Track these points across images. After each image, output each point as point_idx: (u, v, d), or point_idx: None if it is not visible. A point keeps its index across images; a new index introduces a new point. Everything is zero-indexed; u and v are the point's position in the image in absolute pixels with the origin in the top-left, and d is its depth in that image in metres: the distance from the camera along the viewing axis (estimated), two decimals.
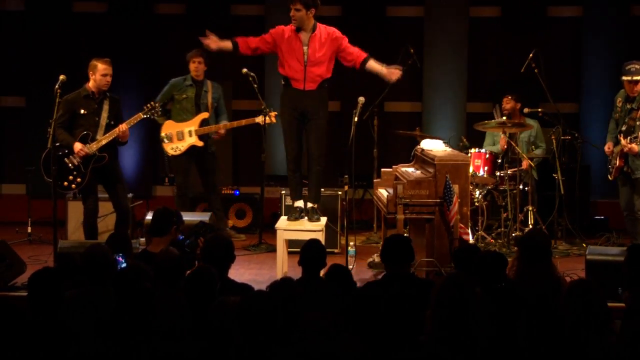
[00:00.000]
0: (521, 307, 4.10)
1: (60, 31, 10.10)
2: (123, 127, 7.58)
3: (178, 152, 8.58)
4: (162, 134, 8.62)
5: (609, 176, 8.05)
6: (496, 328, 3.94)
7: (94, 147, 7.52)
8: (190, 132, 8.56)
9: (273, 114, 8.36)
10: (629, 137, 7.65)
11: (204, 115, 8.62)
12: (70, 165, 7.53)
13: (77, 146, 7.48)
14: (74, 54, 9.92)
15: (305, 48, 6.99)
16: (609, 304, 3.95)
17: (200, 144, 8.56)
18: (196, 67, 8.65)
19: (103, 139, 7.53)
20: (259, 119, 8.42)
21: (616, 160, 7.79)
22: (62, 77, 7.09)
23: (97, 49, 9.95)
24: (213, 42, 7.14)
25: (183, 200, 8.64)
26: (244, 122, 8.61)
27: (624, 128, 7.81)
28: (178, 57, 9.87)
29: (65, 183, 7.54)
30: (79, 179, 7.55)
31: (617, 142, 7.87)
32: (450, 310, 3.66)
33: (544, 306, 4.37)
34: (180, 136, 8.56)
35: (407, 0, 10.34)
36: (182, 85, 8.68)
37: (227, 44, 7.14)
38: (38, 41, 10.10)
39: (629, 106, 7.81)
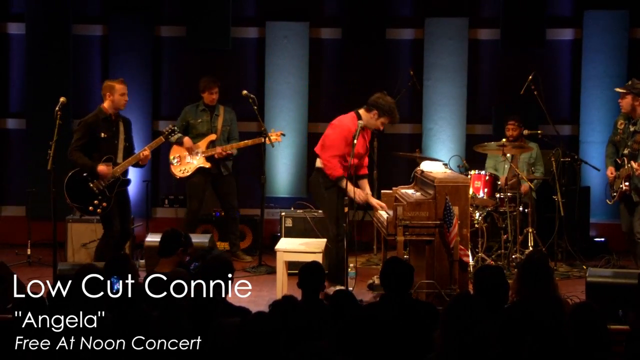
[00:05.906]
0: (525, 327, 4.08)
1: (60, 54, 10.12)
2: (146, 151, 7.55)
3: (186, 174, 8.64)
4: (171, 157, 8.68)
5: (607, 201, 7.98)
6: (501, 349, 3.91)
7: (118, 170, 7.46)
8: (197, 153, 8.63)
9: (279, 132, 8.40)
10: None
11: (212, 137, 8.69)
12: (95, 189, 7.42)
13: (102, 168, 7.38)
14: (74, 77, 9.96)
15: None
16: (610, 327, 3.94)
17: (207, 165, 8.62)
18: (213, 98, 8.76)
19: (126, 163, 7.48)
20: (265, 140, 8.43)
21: (621, 184, 7.60)
22: (62, 99, 7.10)
23: (97, 72, 10.02)
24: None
25: (193, 224, 8.66)
26: (249, 142, 8.66)
27: (626, 151, 7.64)
28: (178, 80, 9.91)
29: (91, 208, 7.42)
30: (104, 204, 7.42)
31: (617, 166, 7.76)
32: (459, 330, 3.63)
33: (545, 327, 4.34)
34: (189, 158, 8.62)
35: (407, 22, 10.36)
36: (196, 111, 8.79)
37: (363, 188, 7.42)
38: (38, 64, 10.11)
39: (632, 128, 7.63)
